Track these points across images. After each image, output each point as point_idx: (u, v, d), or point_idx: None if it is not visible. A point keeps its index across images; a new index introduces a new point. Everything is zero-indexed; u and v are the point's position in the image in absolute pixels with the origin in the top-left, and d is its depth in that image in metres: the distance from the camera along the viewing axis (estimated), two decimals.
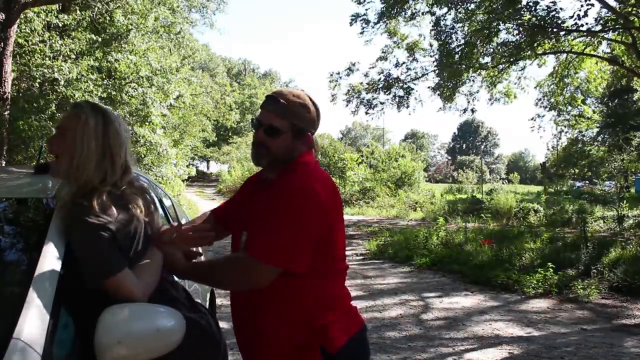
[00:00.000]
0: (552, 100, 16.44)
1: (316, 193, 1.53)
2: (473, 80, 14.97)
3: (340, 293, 1.70)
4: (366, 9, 17.02)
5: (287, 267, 1.50)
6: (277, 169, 1.64)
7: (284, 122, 1.59)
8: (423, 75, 15.23)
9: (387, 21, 14.96)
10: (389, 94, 15.70)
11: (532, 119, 18.04)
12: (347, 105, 16.71)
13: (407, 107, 15.77)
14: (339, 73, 16.35)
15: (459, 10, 13.35)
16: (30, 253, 1.49)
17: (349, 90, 16.41)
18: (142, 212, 1.59)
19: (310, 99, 1.64)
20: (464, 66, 13.26)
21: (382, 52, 15.94)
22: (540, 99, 17.14)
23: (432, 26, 14.14)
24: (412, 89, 15.60)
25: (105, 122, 1.56)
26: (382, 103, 16.00)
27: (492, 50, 12.89)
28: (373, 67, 15.98)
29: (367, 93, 16.15)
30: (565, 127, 20.65)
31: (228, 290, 1.67)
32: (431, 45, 15.18)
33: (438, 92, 14.95)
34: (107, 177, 1.54)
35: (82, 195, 1.48)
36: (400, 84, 15.51)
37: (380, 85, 15.67)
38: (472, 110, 15.83)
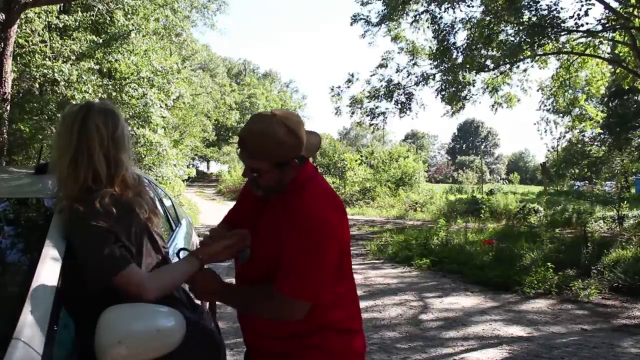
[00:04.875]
0: (555, 102, 16.40)
1: (331, 224, 1.53)
2: (473, 84, 14.85)
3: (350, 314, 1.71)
4: (369, 11, 16.95)
5: (316, 301, 1.54)
6: (278, 192, 1.62)
7: (262, 163, 1.53)
8: (426, 79, 15.08)
9: (389, 23, 14.88)
10: (391, 101, 15.57)
11: (537, 125, 18.00)
12: (351, 117, 16.69)
13: (410, 111, 15.60)
14: (339, 87, 16.31)
15: (456, 9, 13.31)
16: (31, 253, 1.49)
17: (351, 102, 16.32)
18: (145, 216, 1.58)
19: (283, 122, 1.49)
20: (467, 67, 13.21)
21: (383, 58, 15.87)
22: (543, 102, 17.11)
23: (430, 24, 14.07)
24: (413, 94, 15.47)
25: (85, 118, 1.54)
26: (383, 113, 15.86)
27: (492, 51, 12.84)
28: (374, 75, 15.92)
29: (369, 101, 16.03)
30: (568, 128, 20.65)
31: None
32: (432, 49, 15.10)
33: (441, 94, 14.82)
34: (97, 174, 1.51)
35: (79, 197, 1.47)
36: (402, 89, 15.39)
37: (382, 92, 15.56)
38: (462, 106, 15.38)
